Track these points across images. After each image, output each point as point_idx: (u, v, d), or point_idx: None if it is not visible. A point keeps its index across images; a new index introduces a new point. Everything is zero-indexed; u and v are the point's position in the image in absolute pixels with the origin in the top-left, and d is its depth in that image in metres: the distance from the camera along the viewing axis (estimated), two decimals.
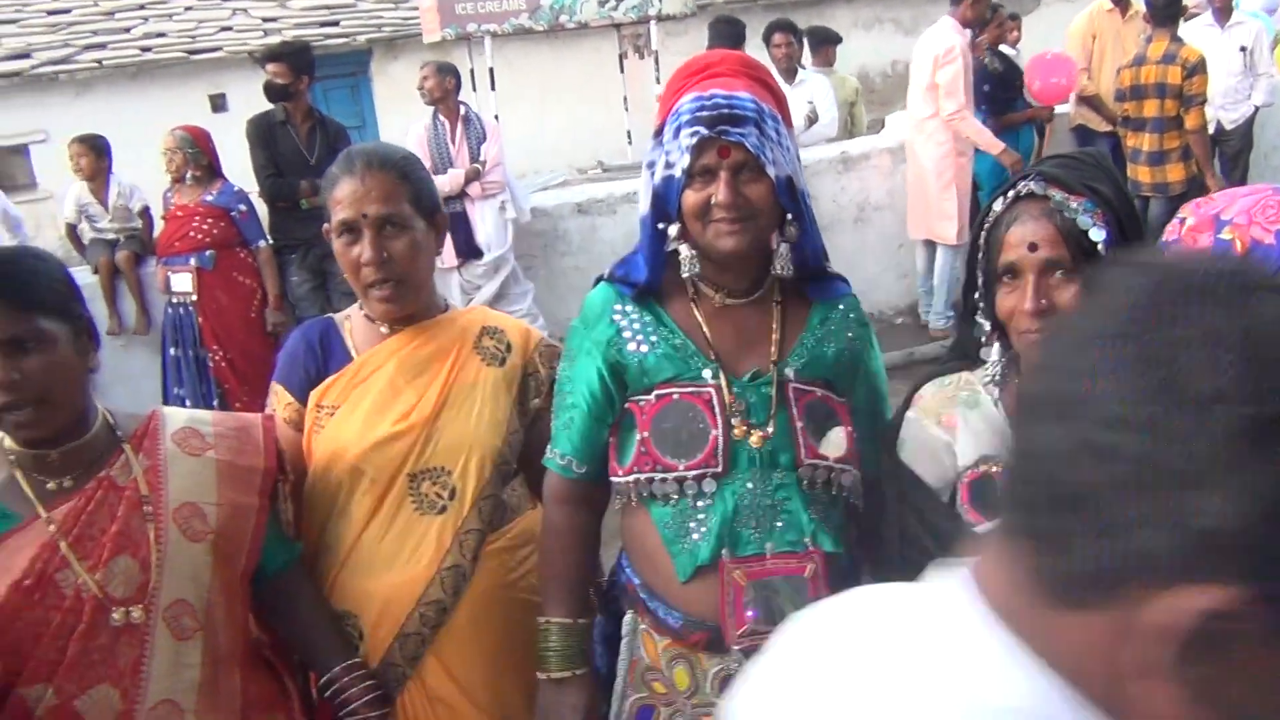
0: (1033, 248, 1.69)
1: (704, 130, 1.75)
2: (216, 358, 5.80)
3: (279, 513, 1.99)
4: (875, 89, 14.22)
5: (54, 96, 12.76)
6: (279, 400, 2.15)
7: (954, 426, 1.86)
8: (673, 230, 1.84)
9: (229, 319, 5.80)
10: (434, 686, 2.03)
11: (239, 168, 6.16)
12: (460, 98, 6.51)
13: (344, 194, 2.00)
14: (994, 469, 1.81)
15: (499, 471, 2.09)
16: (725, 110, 1.76)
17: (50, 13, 13.83)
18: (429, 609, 2.01)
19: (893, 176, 7.28)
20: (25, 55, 13.11)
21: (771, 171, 1.79)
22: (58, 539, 1.71)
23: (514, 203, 6.44)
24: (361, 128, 13.41)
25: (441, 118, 6.32)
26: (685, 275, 1.85)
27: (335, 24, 14.12)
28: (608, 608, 2.03)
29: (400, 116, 8.58)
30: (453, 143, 6.30)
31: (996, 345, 1.81)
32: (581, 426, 1.92)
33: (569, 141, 9.82)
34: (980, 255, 1.80)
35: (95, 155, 6.10)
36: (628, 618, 1.94)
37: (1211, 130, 7.29)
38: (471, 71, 7.83)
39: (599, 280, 1.98)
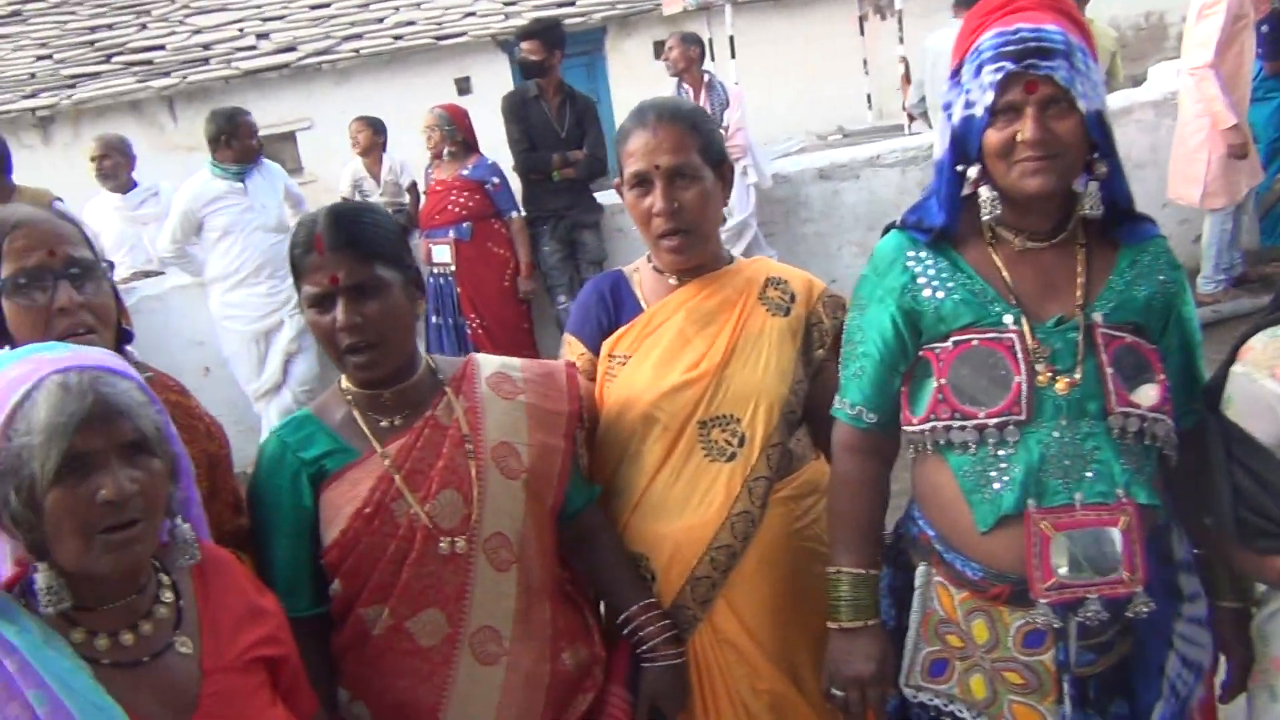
0: None
1: (1010, 65, 1.70)
2: (474, 325, 6.07)
3: (578, 456, 2.08)
4: (1128, 43, 13.37)
5: (317, 86, 13.68)
6: (571, 350, 2.24)
7: None
8: (972, 172, 1.79)
9: (485, 288, 6.05)
10: (723, 629, 2.08)
11: (485, 146, 6.45)
12: (702, 67, 6.58)
13: (636, 146, 2.06)
14: None
15: (786, 420, 2.11)
16: (1033, 44, 1.70)
17: (313, 7, 14.83)
18: (719, 553, 2.06)
19: (1156, 132, 6.82)
20: (292, 48, 14.13)
21: (1082, 105, 1.72)
22: (392, 472, 1.86)
23: (756, 168, 6.45)
24: (597, 105, 13.70)
25: (685, 86, 6.40)
26: (986, 218, 1.80)
27: (572, 3, 14.49)
28: (896, 560, 2.02)
29: (634, 92, 8.71)
30: None
31: None
32: (873, 375, 1.91)
33: (806, 108, 9.72)
34: None
35: (372, 132, 6.54)
36: (920, 569, 1.92)
37: None
38: (711, 41, 7.87)
39: (890, 228, 1.95)
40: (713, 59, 7.62)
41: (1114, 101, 6.88)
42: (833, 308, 2.19)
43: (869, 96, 8.40)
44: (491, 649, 1.89)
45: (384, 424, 1.92)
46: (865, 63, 8.42)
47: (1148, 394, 1.79)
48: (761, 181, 6.48)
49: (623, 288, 2.24)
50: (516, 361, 2.09)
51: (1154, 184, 6.77)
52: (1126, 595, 1.73)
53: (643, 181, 2.07)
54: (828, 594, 1.96)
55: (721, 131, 6.16)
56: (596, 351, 2.20)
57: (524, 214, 6.22)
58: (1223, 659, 1.99)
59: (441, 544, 1.85)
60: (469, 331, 6.09)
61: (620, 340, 2.17)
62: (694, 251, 2.12)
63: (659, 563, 2.09)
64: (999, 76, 1.70)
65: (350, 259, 1.82)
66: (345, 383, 1.96)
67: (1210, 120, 6.08)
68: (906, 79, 7.93)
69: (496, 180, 6.08)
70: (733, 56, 7.71)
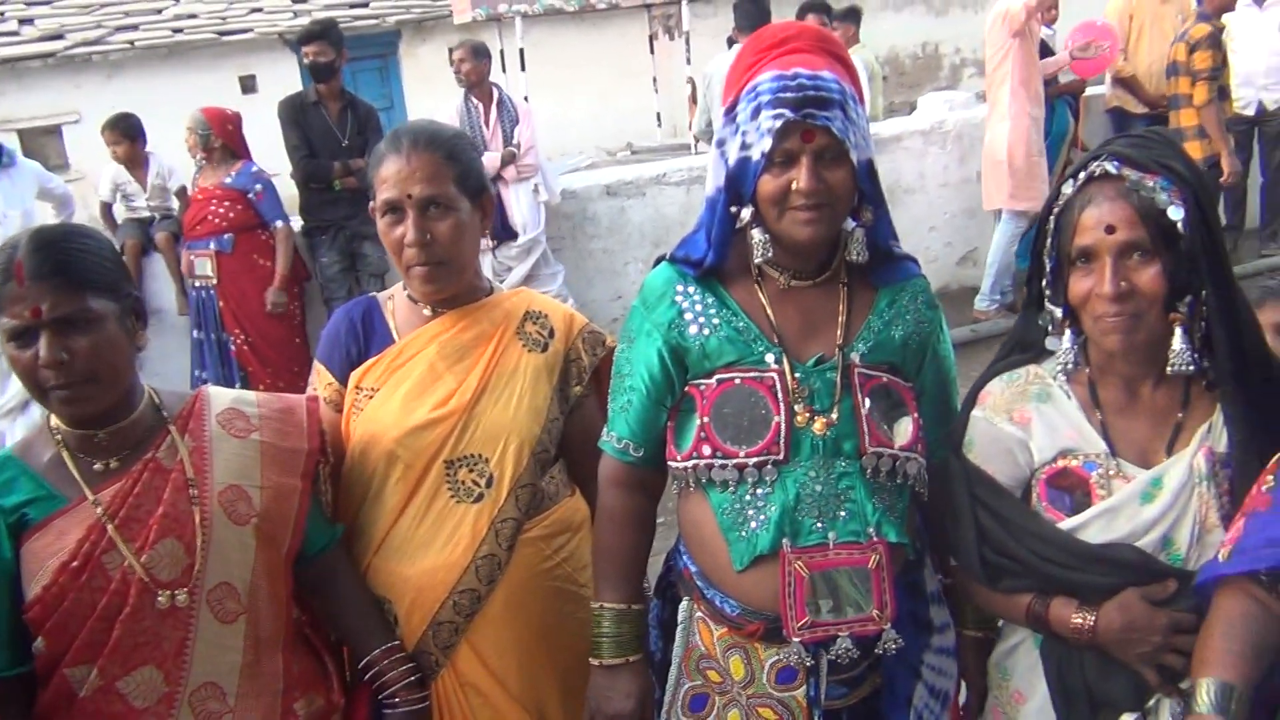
0: (1110, 230, 1.64)
1: (789, 113, 1.68)
2: (238, 341, 5.77)
3: (320, 494, 1.97)
4: (905, 71, 14.08)
5: (87, 77, 12.84)
6: (320, 380, 2.13)
7: (1028, 422, 1.81)
8: (746, 214, 1.78)
9: (250, 302, 5.75)
10: (467, 673, 2.02)
11: (269, 149, 6.17)
12: (491, 79, 6.49)
13: (389, 173, 1.97)
14: (1072, 463, 1.77)
15: (537, 459, 2.06)
16: (811, 92, 1.69)
17: None
18: (463, 597, 1.99)
19: (924, 159, 7.22)
20: (58, 36, 13.20)
21: (854, 155, 1.73)
22: (104, 521, 1.69)
23: (545, 185, 6.42)
24: (390, 109, 13.39)
25: (474, 100, 6.29)
26: (758, 260, 1.80)
27: (365, 4, 14.12)
28: (665, 593, 2.00)
29: (429, 98, 8.57)
30: (486, 125, 6.28)
31: (1068, 333, 1.76)
32: (640, 409, 1.88)
33: (597, 123, 9.78)
34: (1049, 240, 1.75)
35: (129, 142, 6.10)
36: (684, 605, 1.91)
37: (1252, 111, 7.21)
38: (501, 52, 7.79)
39: (659, 260, 1.93)
40: (503, 70, 7.54)
41: (886, 129, 7.24)
42: (592, 344, 2.16)
43: (659, 114, 8.52)
44: (214, 707, 1.75)
45: (97, 467, 1.75)
46: (655, 81, 8.54)
47: (901, 433, 1.82)
48: (551, 198, 6.46)
49: (375, 316, 2.14)
50: (252, 395, 1.96)
51: (922, 209, 7.14)
52: (876, 632, 1.76)
53: (394, 210, 1.98)
54: (590, 630, 1.92)
55: (513, 149, 6.18)
56: (345, 382, 2.09)
57: (303, 223, 5.99)
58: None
59: (160, 597, 1.71)
60: (233, 348, 5.79)
61: (368, 372, 2.07)
62: (447, 283, 2.04)
63: (400, 607, 2.01)
64: (777, 124, 1.69)
65: (55, 289, 1.65)
66: (54, 420, 1.78)
67: (1022, 129, 6.44)
68: (693, 99, 8.11)
69: (260, 188, 5.79)
70: (523, 69, 7.65)
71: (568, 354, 2.13)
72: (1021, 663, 1.88)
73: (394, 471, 2.01)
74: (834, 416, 1.78)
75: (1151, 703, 1.72)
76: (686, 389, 1.86)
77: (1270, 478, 1.56)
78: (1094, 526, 1.73)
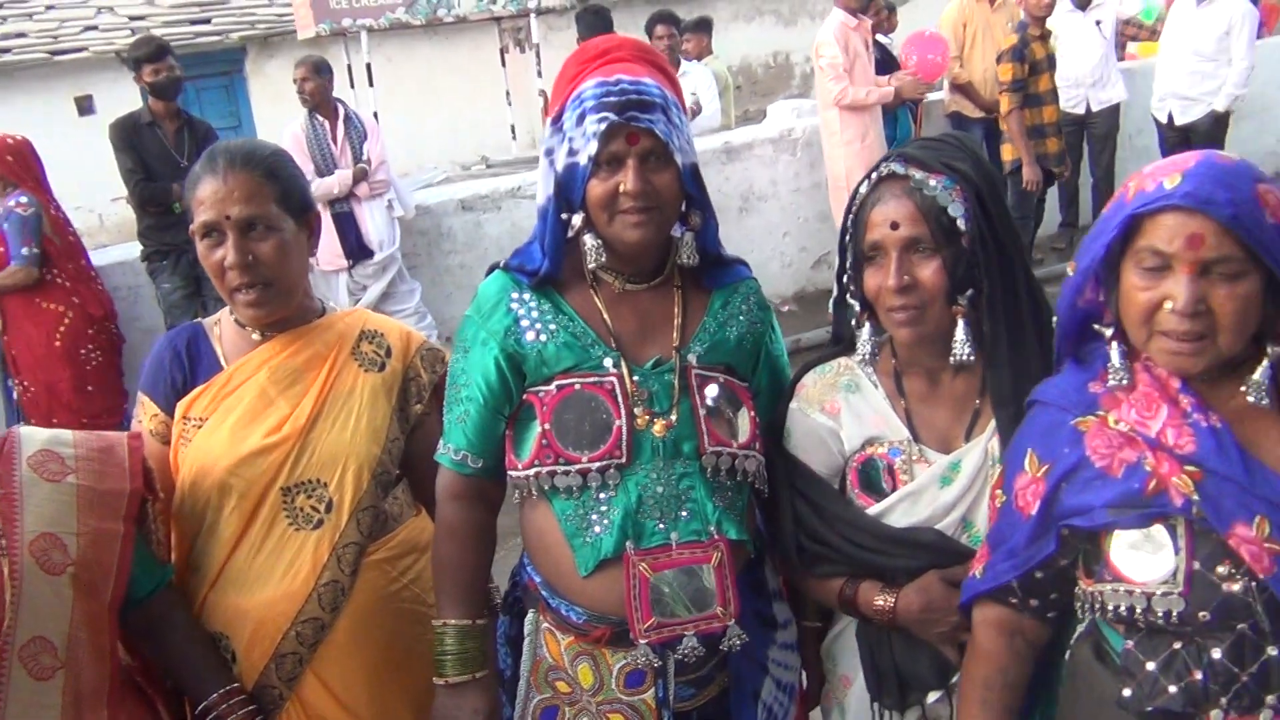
0: (894, 226, 1.72)
1: (613, 116, 1.72)
2: (20, 388, 5.35)
3: (148, 534, 1.88)
4: (758, 80, 14.37)
5: None
6: (144, 411, 2.04)
7: (838, 413, 1.88)
8: (576, 220, 1.80)
9: (35, 348, 5.28)
10: (314, 704, 1.95)
11: (109, 174, 5.89)
12: (337, 95, 6.36)
13: (206, 194, 1.90)
14: (879, 450, 1.84)
15: (379, 481, 2.02)
16: (633, 96, 1.73)
17: None
18: (306, 627, 1.93)
19: (775, 166, 7.36)
20: None
21: (679, 159, 1.77)
22: None
23: (399, 200, 6.32)
24: (238, 128, 13.03)
25: (320, 118, 6.16)
26: (591, 265, 1.82)
27: (207, 21, 13.67)
28: (511, 608, 1.98)
29: (278, 116, 8.35)
30: (334, 143, 6.15)
31: (867, 325, 1.83)
32: (477, 420, 1.87)
33: (451, 137, 9.68)
34: (848, 237, 1.81)
35: None
36: (529, 617, 1.90)
37: (1081, 110, 7.59)
38: (349, 68, 7.65)
39: (493, 269, 1.93)
40: (351, 86, 7.41)
41: (738, 138, 7.36)
42: (432, 361, 2.13)
43: (512, 127, 8.48)
44: None
45: None
46: (508, 94, 8.50)
47: (741, 430, 1.86)
48: (406, 213, 6.36)
49: (200, 343, 2.06)
50: (69, 435, 1.84)
51: (776, 214, 7.28)
52: (721, 630, 1.79)
53: (213, 232, 1.91)
54: (433, 649, 1.89)
55: (364, 165, 6.07)
56: (171, 412, 2.01)
57: (142, 249, 5.75)
58: None
59: None
60: (15, 394, 5.37)
61: (195, 401, 1.99)
62: (275, 306, 1.98)
63: (239, 642, 1.93)
64: (602, 127, 1.72)
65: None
66: None
67: (856, 153, 6.60)
68: (546, 112, 8.08)
69: (4, 226, 5.18)
70: (371, 84, 7.52)
71: (406, 372, 2.10)
72: (846, 648, 1.94)
73: (227, 502, 1.94)
74: (673, 418, 1.81)
75: (955, 679, 1.79)
76: (525, 397, 1.85)
77: (999, 492, 1.64)
78: (898, 510, 1.81)
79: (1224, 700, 1.44)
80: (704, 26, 8.67)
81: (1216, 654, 1.44)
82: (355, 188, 6.11)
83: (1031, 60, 6.90)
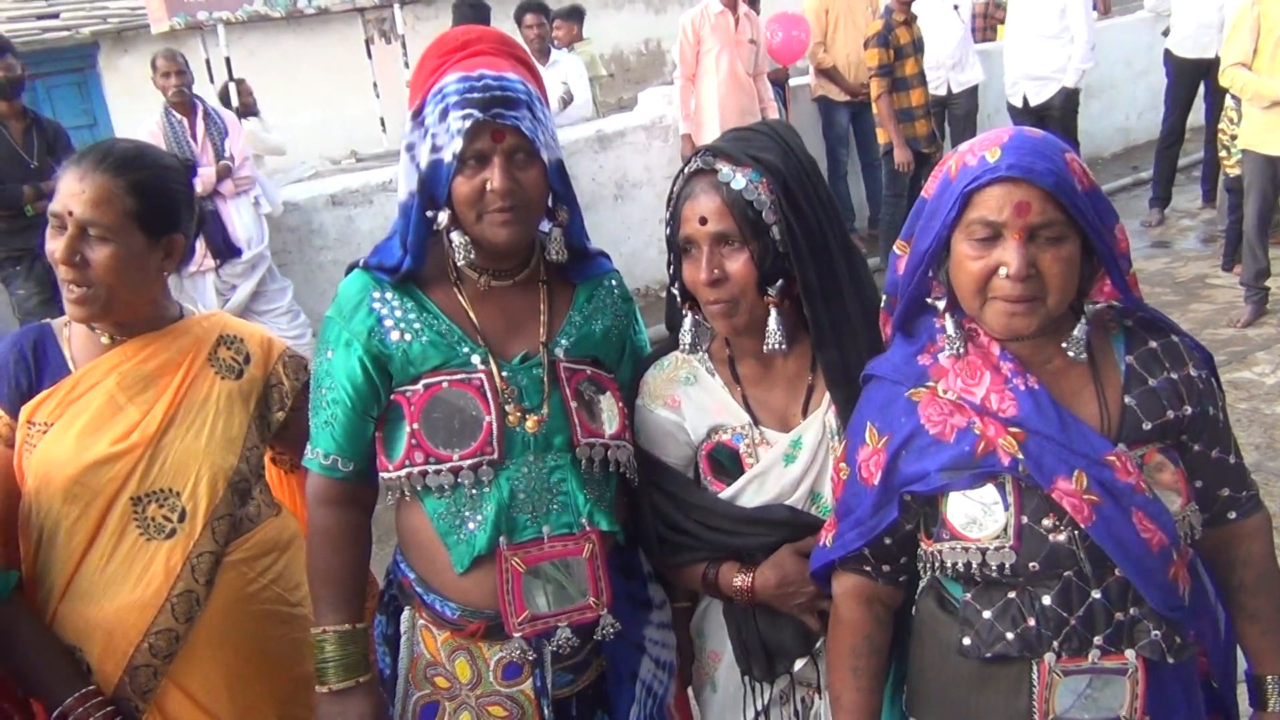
0: (703, 221, 1.76)
1: (478, 113, 1.70)
2: None
3: None
4: (631, 67, 14.42)
5: None
6: None
7: (679, 406, 1.92)
8: (443, 218, 1.78)
9: None
10: (176, 713, 1.91)
11: None
12: (197, 90, 6.17)
13: (62, 185, 1.86)
14: (723, 437, 1.88)
15: (235, 490, 1.98)
16: (498, 92, 1.72)
17: None
18: (159, 639, 1.88)
19: (648, 153, 7.43)
20: None
21: (544, 155, 1.77)
22: None
23: (266, 196, 6.18)
24: (93, 126, 12.50)
25: (177, 115, 5.97)
26: (460, 263, 1.81)
27: (55, 16, 13.06)
28: (387, 606, 1.97)
29: (136, 112, 8.06)
30: (194, 140, 5.97)
31: (689, 316, 1.87)
32: (345, 422, 1.84)
33: (319, 131, 9.48)
34: (669, 231, 1.84)
35: None
36: (405, 614, 1.90)
37: (944, 92, 7.83)
38: (207, 62, 7.43)
39: (352, 268, 1.90)
40: (211, 81, 7.21)
41: (610, 125, 7.39)
42: (294, 368, 2.10)
43: (382, 119, 8.35)
44: None
45: None
46: (376, 86, 8.37)
47: (610, 421, 1.89)
48: (273, 210, 6.22)
49: (48, 345, 1.99)
50: None
51: (650, 201, 7.34)
52: (594, 619, 1.82)
53: (59, 223, 1.85)
54: (314, 656, 1.86)
55: (227, 162, 5.91)
56: (17, 416, 1.93)
57: None
58: None
59: None
60: None
61: (41, 406, 1.92)
62: (98, 314, 1.91)
63: (92, 654, 1.88)
64: (467, 124, 1.70)
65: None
66: None
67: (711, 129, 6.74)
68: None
69: None
70: (231, 78, 7.33)
71: (267, 379, 2.07)
72: (713, 624, 1.99)
73: (72, 511, 1.88)
74: (544, 412, 1.82)
75: (818, 645, 1.87)
76: (393, 397, 1.84)
77: (844, 465, 1.72)
78: (748, 491, 1.86)
79: (1056, 644, 1.54)
80: (575, 15, 8.68)
81: (1047, 600, 1.54)
82: (219, 185, 5.95)
83: (897, 45, 7.08)
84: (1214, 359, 1.68)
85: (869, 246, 7.53)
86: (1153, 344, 1.61)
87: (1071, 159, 1.51)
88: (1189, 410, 1.59)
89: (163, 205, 1.94)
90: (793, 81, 8.15)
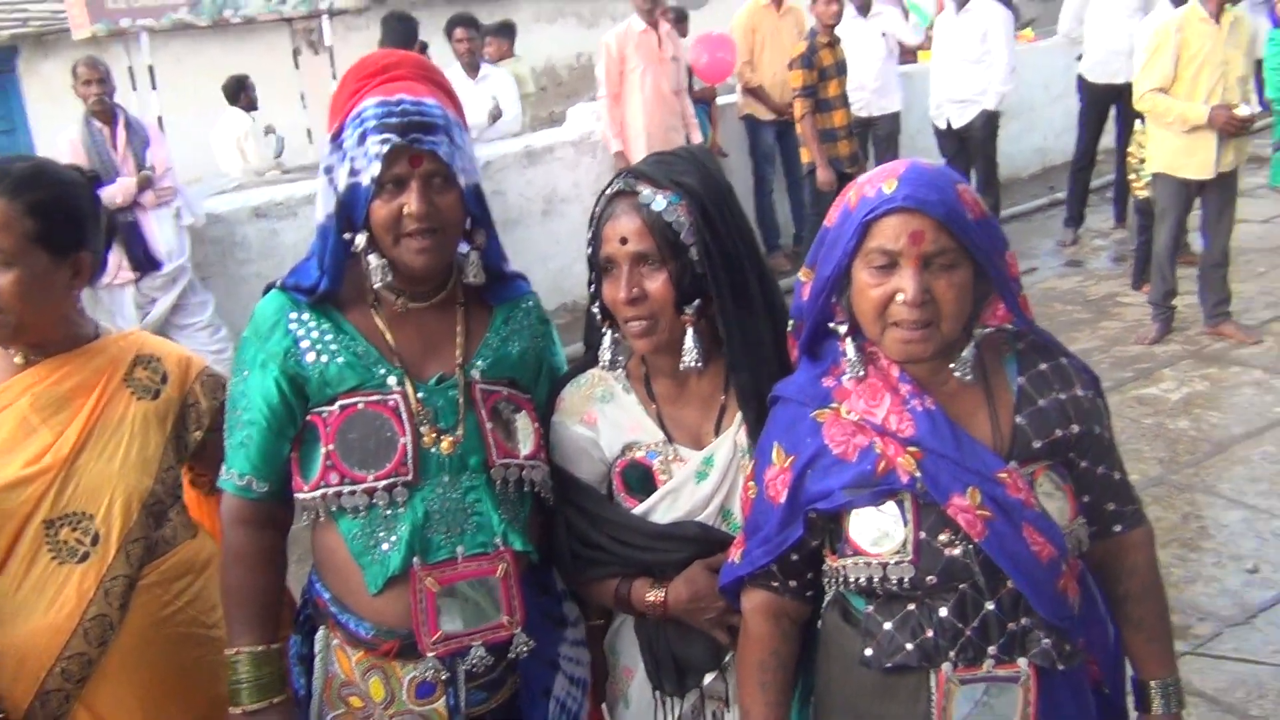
0: (624, 241, 1.80)
1: (395, 138, 1.72)
2: None
3: None
4: (563, 81, 14.46)
5: None
6: None
7: (595, 423, 1.95)
8: (360, 240, 1.80)
9: None
10: None
11: None
12: (118, 99, 6.07)
13: None
14: (637, 454, 1.92)
15: (150, 512, 1.97)
16: (416, 118, 1.74)
17: None
18: (71, 663, 1.87)
19: (577, 168, 7.46)
20: None
21: (461, 180, 1.80)
22: None
23: (187, 207, 6.09)
24: (11, 132, 12.23)
25: (98, 124, 5.87)
26: (377, 285, 1.82)
27: None
28: (302, 626, 1.98)
29: (57, 118, 7.90)
30: (115, 150, 5.87)
31: (609, 334, 1.91)
32: (260, 443, 1.85)
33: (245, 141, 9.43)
34: (590, 250, 1.89)
35: None
36: (320, 634, 1.90)
37: (865, 115, 7.99)
38: (130, 70, 7.31)
39: (269, 288, 1.91)
40: (133, 89, 7.09)
41: (539, 140, 7.42)
42: (212, 388, 2.09)
43: (309, 131, 8.29)
44: None
45: None
46: (303, 96, 8.30)
47: (525, 441, 1.91)
48: (195, 221, 6.14)
49: None
50: None
51: (579, 217, 7.36)
52: (508, 638, 1.84)
53: None
54: (227, 678, 1.86)
55: (148, 173, 5.82)
56: None
57: None
58: None
59: None
60: None
61: None
62: (10, 338, 1.90)
63: (3, 679, 1.86)
64: (385, 149, 1.72)
65: None
66: None
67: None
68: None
69: None
70: (154, 87, 7.22)
71: (184, 399, 2.06)
72: (626, 641, 2.03)
73: None
74: (459, 433, 1.84)
75: (728, 659, 1.91)
76: (309, 418, 1.85)
77: (752, 484, 1.77)
78: (661, 508, 1.90)
79: (952, 654, 1.60)
80: (505, 30, 8.71)
81: (944, 612, 1.60)
82: (140, 196, 5.86)
83: (820, 66, 7.21)
84: (1100, 380, 1.75)
85: (794, 264, 7.64)
86: (1042, 366, 1.68)
87: (963, 190, 1.58)
88: (1076, 429, 1.66)
89: (66, 224, 1.91)
90: (720, 100, 8.25)
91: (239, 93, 7.89)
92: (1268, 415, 5.14)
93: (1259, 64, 7.14)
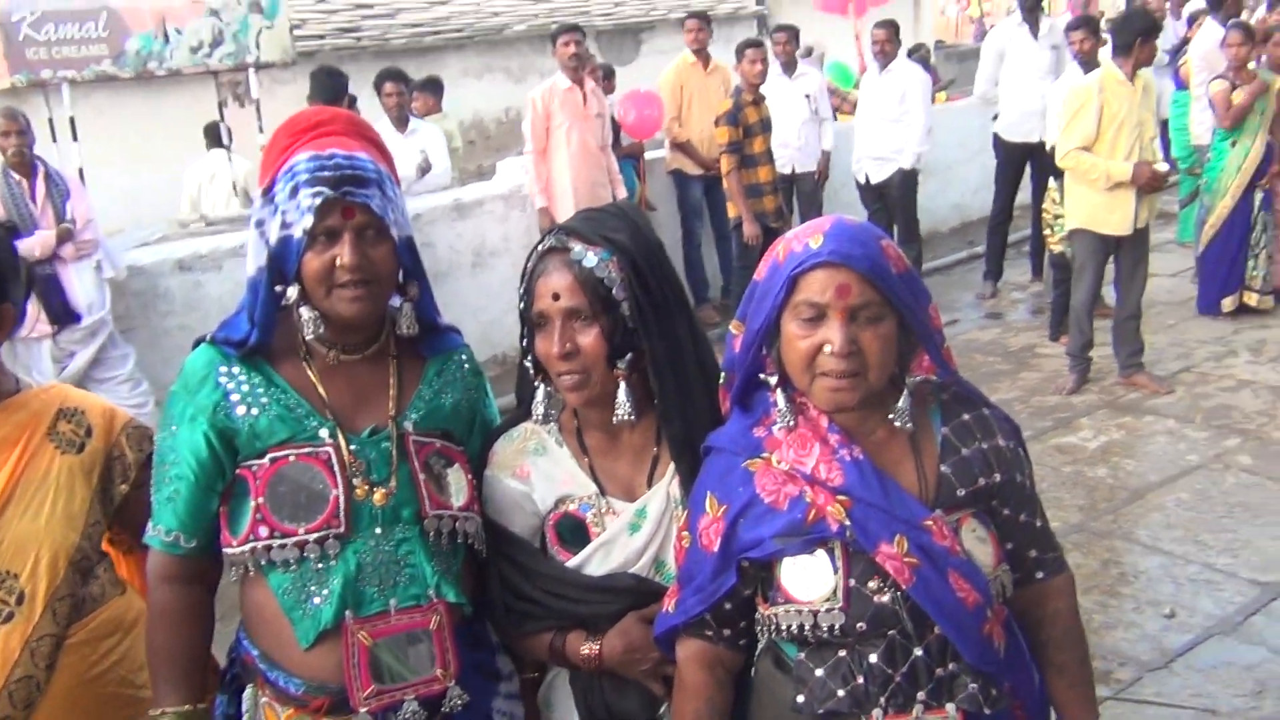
0: (556, 296, 1.82)
1: (328, 191, 1.74)
2: None
3: None
4: (491, 135, 14.53)
5: None
6: None
7: (528, 476, 1.96)
8: (292, 293, 1.80)
9: None
10: None
11: None
12: (38, 150, 5.97)
13: None
14: (571, 507, 1.93)
15: (76, 569, 1.94)
16: (348, 171, 1.76)
17: None
18: None
19: (507, 222, 7.50)
20: None
21: (394, 233, 1.81)
22: None
23: (108, 260, 5.99)
24: None
25: (16, 176, 5.76)
26: (309, 337, 1.83)
27: None
28: (229, 685, 1.94)
29: None
30: (34, 202, 5.76)
31: (542, 388, 1.93)
32: (189, 498, 1.82)
33: (168, 194, 9.24)
34: (522, 305, 1.90)
35: None
36: (247, 692, 1.87)
37: (789, 171, 8.16)
38: (50, 121, 7.19)
39: (199, 342, 1.90)
40: (54, 140, 6.98)
41: (468, 194, 7.45)
42: (137, 440, 2.07)
43: (235, 184, 8.24)
44: None
45: None
46: (229, 149, 8.26)
47: (458, 493, 1.91)
48: (116, 274, 6.03)
49: None
50: None
51: (508, 270, 7.39)
52: (441, 692, 1.83)
53: None
54: None
55: (68, 225, 5.71)
56: None
57: None
58: None
59: None
60: None
61: None
62: None
63: None
64: (317, 201, 1.73)
65: None
66: None
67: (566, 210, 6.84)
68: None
69: None
70: (75, 139, 7.11)
71: (109, 452, 2.03)
72: (560, 694, 2.02)
73: None
74: (392, 485, 1.84)
75: (663, 710, 1.91)
76: (238, 471, 1.83)
77: (686, 534, 1.80)
78: (594, 560, 1.91)
79: (883, 700, 1.62)
80: (432, 86, 8.76)
81: (874, 658, 1.63)
82: (59, 249, 5.75)
83: (746, 124, 7.37)
84: (1021, 430, 1.81)
85: (723, 315, 7.73)
86: (965, 416, 1.74)
87: (886, 245, 1.64)
88: (998, 477, 1.71)
89: None
90: (648, 155, 8.36)
91: (219, 135, 7.92)
92: (1180, 463, 5.31)
93: (1164, 124, 7.48)
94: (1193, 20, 9.70)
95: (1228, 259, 7.16)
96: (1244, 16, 8.54)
